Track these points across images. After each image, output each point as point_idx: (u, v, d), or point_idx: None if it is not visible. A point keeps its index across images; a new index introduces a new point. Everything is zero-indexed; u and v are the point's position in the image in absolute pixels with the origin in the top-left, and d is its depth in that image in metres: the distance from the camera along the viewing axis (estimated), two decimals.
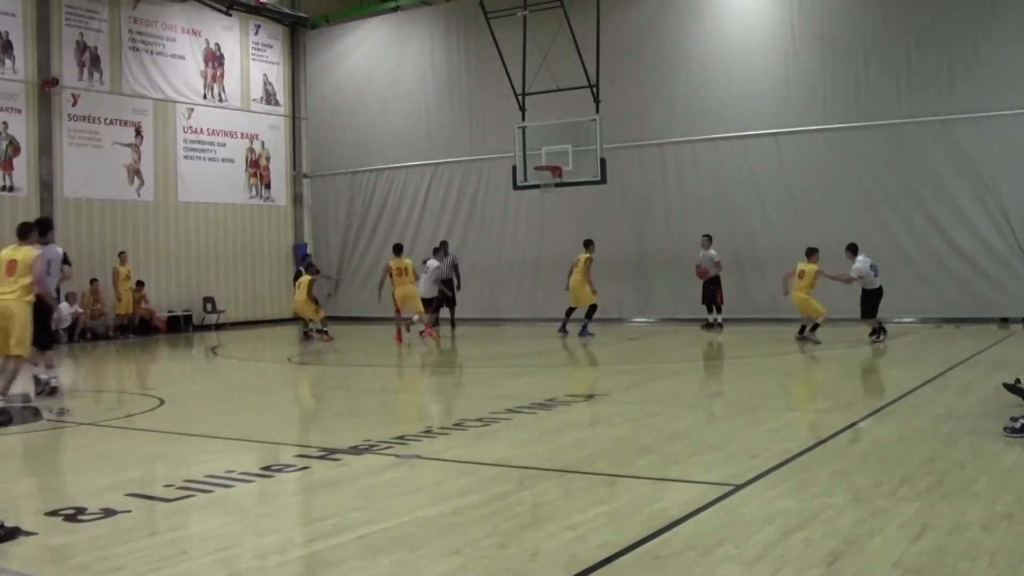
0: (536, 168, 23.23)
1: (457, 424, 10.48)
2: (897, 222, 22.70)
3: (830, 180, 23.43)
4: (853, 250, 19.46)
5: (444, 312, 24.83)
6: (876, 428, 9.73)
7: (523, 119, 23.96)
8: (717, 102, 24.72)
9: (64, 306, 24.39)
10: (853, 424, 9.75)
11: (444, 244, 25.87)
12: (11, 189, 24.36)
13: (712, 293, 23.03)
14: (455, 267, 25.16)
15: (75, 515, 7.00)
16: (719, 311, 23.01)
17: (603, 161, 22.55)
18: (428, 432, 9.91)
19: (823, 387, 13.43)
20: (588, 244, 21.77)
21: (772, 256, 23.60)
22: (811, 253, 19.39)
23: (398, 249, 22.10)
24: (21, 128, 24.61)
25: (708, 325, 22.99)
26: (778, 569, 5.34)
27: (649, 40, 25.63)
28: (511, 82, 24.04)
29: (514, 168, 23.77)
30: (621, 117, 24.58)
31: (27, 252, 12.19)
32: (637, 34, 25.63)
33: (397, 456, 8.74)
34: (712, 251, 22.92)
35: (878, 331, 19.05)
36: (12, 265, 12.02)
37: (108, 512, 6.99)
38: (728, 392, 13.09)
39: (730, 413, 11.07)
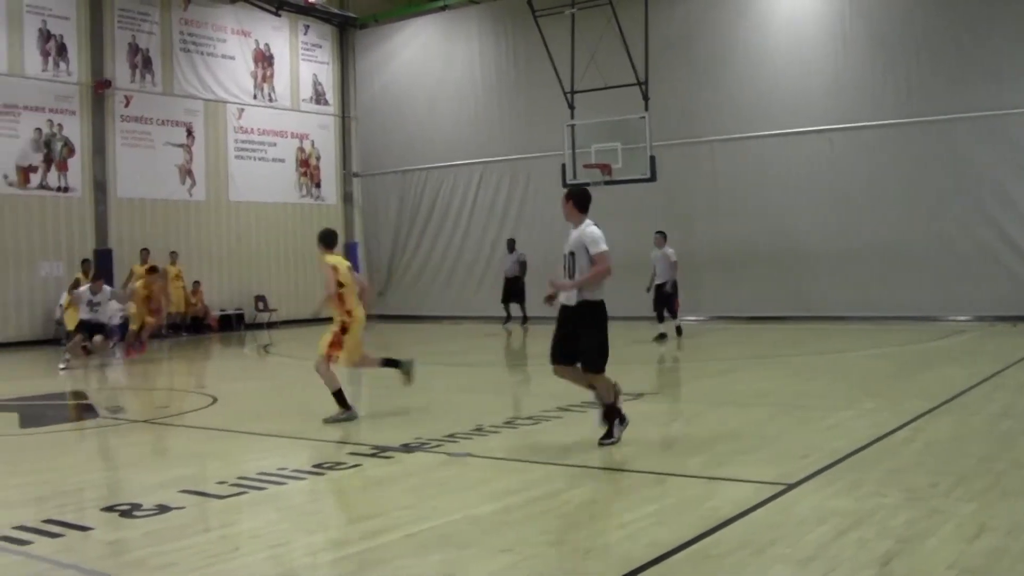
0: (585, 166, 23.17)
1: (508, 422, 10.49)
2: (950, 219, 22.36)
3: (881, 177, 23.12)
4: None
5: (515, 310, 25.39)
6: (931, 427, 9.61)
7: (572, 117, 23.92)
8: (767, 99, 24.51)
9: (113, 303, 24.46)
10: (907, 423, 9.64)
11: (510, 241, 25.95)
12: (66, 190, 24.66)
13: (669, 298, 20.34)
14: (522, 264, 25.29)
15: (130, 511, 7.09)
16: (674, 316, 20.54)
17: (652, 159, 22.46)
18: (479, 430, 9.92)
19: (875, 385, 13.28)
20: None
21: (821, 254, 23.42)
22: None
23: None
24: (75, 130, 24.90)
25: (662, 336, 20.11)
26: (831, 569, 5.29)
27: (698, 36, 25.47)
28: (559, 80, 24.00)
29: (563, 166, 23.73)
30: (670, 114, 24.45)
31: None
32: (686, 30, 25.48)
33: (448, 454, 8.76)
34: (669, 249, 20.44)
35: None
36: None
37: (162, 508, 7.07)
38: (778, 390, 12.98)
39: (781, 411, 10.98)
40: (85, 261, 23.27)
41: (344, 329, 11.14)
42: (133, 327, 19.56)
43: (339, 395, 10.95)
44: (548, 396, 11.71)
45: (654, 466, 8.10)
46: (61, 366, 17.62)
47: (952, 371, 14.72)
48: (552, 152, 25.29)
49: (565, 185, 23.79)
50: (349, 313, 11.21)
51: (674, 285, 20.22)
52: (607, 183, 23.00)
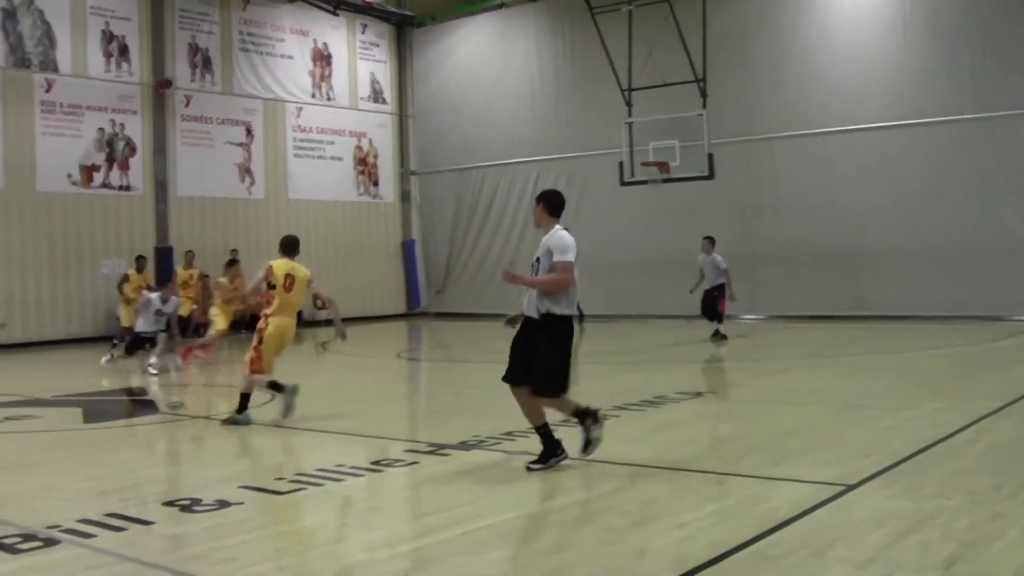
0: (643, 164, 23.10)
1: (565, 421, 10.47)
2: (1015, 216, 22.00)
3: (943, 174, 22.78)
4: None
5: None
6: (995, 428, 9.46)
7: (629, 114, 23.84)
8: (826, 95, 24.25)
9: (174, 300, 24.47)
10: (970, 424, 9.50)
11: None
12: (128, 188, 24.99)
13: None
14: None
15: (191, 506, 7.16)
16: (720, 320, 19.88)
17: (711, 156, 22.33)
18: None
19: (938, 385, 13.11)
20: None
21: (882, 253, 23.14)
22: None
23: None
24: (137, 129, 25.21)
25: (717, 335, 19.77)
26: (892, 572, 5.23)
27: (756, 32, 25.27)
28: (617, 77, 23.94)
29: (620, 164, 23.67)
30: (728, 111, 24.25)
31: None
32: (744, 26, 25.29)
33: (505, 452, 8.76)
34: (718, 256, 19.91)
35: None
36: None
37: (222, 503, 7.14)
38: (838, 390, 12.84)
39: (841, 411, 10.87)
40: (140, 258, 23.28)
41: (260, 340, 11.06)
42: (220, 328, 18.94)
43: (245, 399, 10.90)
44: (606, 395, 11.67)
45: (713, 466, 8.04)
46: (105, 359, 17.76)
47: (1017, 371, 14.50)
48: (609, 150, 25.22)
49: (623, 183, 23.76)
50: (267, 319, 11.13)
51: (721, 289, 19.62)
52: (665, 181, 22.94)
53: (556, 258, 7.98)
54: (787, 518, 6.26)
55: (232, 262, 21.20)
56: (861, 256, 23.54)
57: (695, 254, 20.32)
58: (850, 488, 7.00)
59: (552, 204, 8.41)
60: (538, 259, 8.15)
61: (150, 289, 20.05)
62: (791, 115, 24.66)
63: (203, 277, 20.98)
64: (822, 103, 24.27)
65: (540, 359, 7.93)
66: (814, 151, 24.48)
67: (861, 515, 6.37)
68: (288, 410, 10.78)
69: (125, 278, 22.01)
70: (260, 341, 11.05)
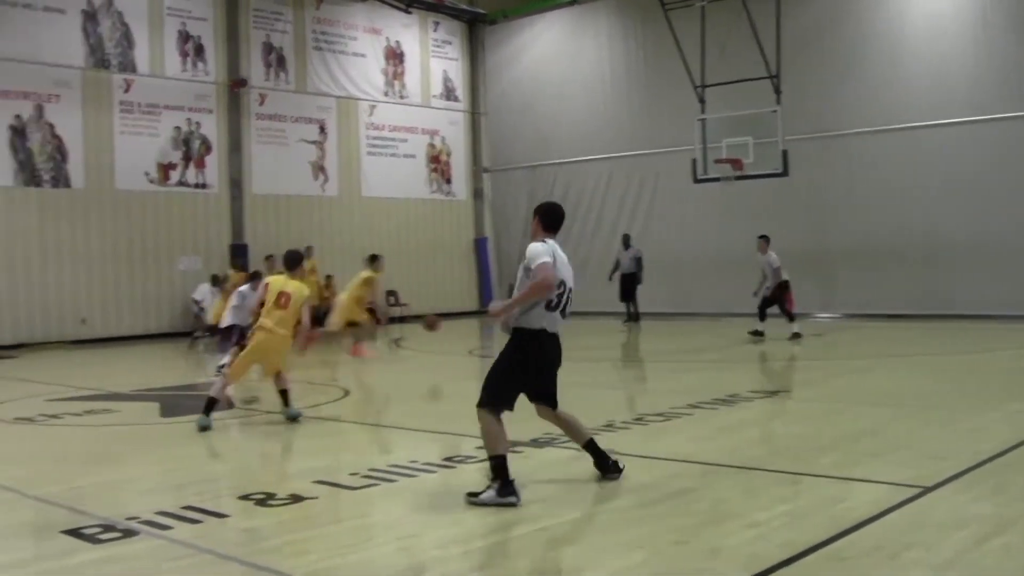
0: (716, 161, 22.92)
1: (638, 419, 10.43)
2: None
3: (1023, 170, 22.33)
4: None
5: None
6: None
7: (702, 111, 23.67)
8: (903, 91, 23.85)
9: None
10: None
11: (625, 237, 25.78)
12: (204, 186, 25.35)
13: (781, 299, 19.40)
14: (638, 260, 25.10)
15: (265, 500, 7.25)
16: (791, 319, 19.33)
17: (785, 153, 22.09)
18: (609, 426, 9.88)
19: (1020, 386, 12.85)
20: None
21: (964, 250, 22.71)
22: None
23: None
24: (212, 128, 25.58)
25: (795, 334, 19.08)
26: None
27: (831, 28, 24.93)
28: (689, 74, 23.78)
29: (693, 161, 23.50)
30: (802, 108, 23.95)
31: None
32: (819, 21, 24.98)
33: (578, 450, 8.75)
34: (772, 255, 19.53)
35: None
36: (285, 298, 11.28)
37: (296, 498, 7.21)
38: (916, 390, 12.64)
39: (918, 412, 10.70)
40: (269, 257, 23.24)
41: (242, 348, 11.20)
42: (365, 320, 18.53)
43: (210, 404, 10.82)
44: (678, 393, 11.61)
45: (786, 465, 7.96)
46: (221, 364, 17.57)
47: None
48: (682, 147, 25.03)
49: (696, 180, 23.58)
50: (254, 333, 11.20)
51: (776, 288, 19.19)
52: (738, 178, 22.73)
53: (532, 265, 7.28)
54: (862, 519, 6.17)
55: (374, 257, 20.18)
56: (939, 254, 23.14)
57: (774, 250, 20.07)
58: (928, 490, 6.89)
59: (548, 218, 7.74)
60: (571, 288, 7.56)
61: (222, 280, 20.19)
62: (867, 111, 24.31)
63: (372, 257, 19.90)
64: (898, 99, 23.89)
65: (493, 365, 7.46)
66: (890, 147, 24.10)
67: (939, 518, 6.26)
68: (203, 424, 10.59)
69: (222, 279, 22.43)
70: (241, 349, 11.24)
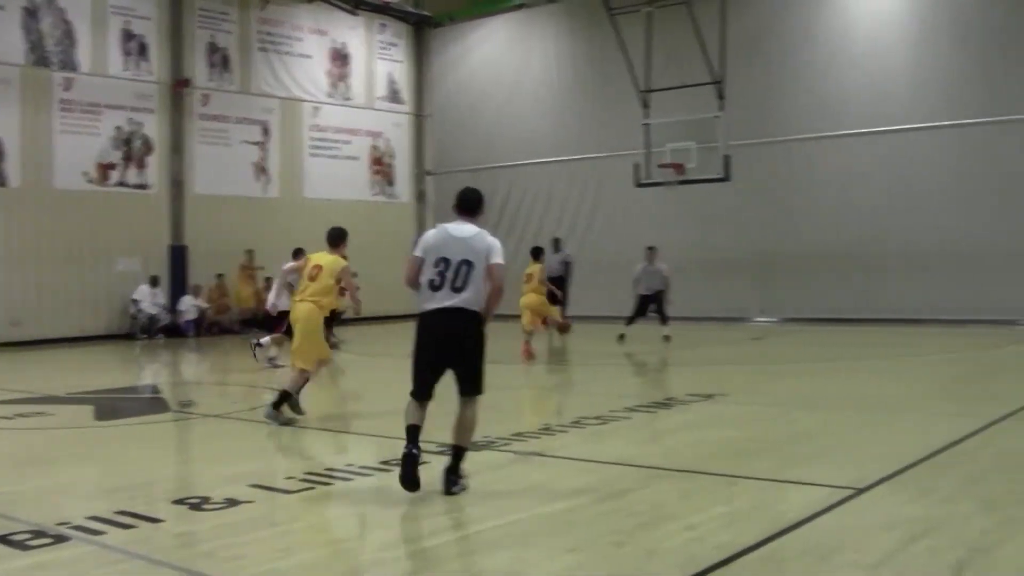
0: (659, 166, 23.05)
1: (575, 422, 10.46)
2: None
3: (959, 177, 22.61)
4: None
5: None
6: (1007, 433, 9.42)
7: (646, 116, 23.79)
8: (844, 97, 24.14)
9: (188, 298, 24.98)
10: (982, 429, 9.45)
11: (555, 240, 25.80)
12: (144, 187, 25.07)
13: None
14: (566, 264, 25.10)
15: (200, 504, 7.18)
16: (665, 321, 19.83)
17: (727, 158, 22.26)
18: (547, 429, 9.91)
19: (952, 390, 13.06)
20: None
21: (899, 256, 23.01)
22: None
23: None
24: (154, 128, 25.30)
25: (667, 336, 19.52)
26: None
27: (774, 34, 25.19)
28: (634, 79, 23.89)
29: (636, 166, 23.60)
30: (746, 113, 24.12)
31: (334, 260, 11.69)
32: (762, 28, 25.20)
33: (515, 453, 8.76)
34: (662, 265, 20.44)
35: None
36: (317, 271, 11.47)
37: (231, 502, 7.15)
38: (850, 394, 12.78)
39: (852, 415, 10.82)
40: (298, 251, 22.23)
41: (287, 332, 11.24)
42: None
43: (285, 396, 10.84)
44: (616, 397, 11.66)
45: (723, 468, 8.02)
46: (257, 343, 17.17)
47: None
48: (626, 151, 25.12)
49: (638, 184, 23.69)
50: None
51: (660, 292, 20.21)
52: (680, 183, 22.86)
53: (494, 260, 7.76)
54: (796, 521, 6.24)
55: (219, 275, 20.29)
56: (877, 259, 23.42)
57: (715, 254, 20.28)
58: (860, 492, 6.98)
59: (456, 200, 8.21)
60: (466, 261, 7.67)
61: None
62: (809, 117, 24.57)
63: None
64: (840, 105, 24.17)
65: None
66: (831, 154, 24.39)
67: (871, 519, 6.34)
68: (273, 419, 10.67)
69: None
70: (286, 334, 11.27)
